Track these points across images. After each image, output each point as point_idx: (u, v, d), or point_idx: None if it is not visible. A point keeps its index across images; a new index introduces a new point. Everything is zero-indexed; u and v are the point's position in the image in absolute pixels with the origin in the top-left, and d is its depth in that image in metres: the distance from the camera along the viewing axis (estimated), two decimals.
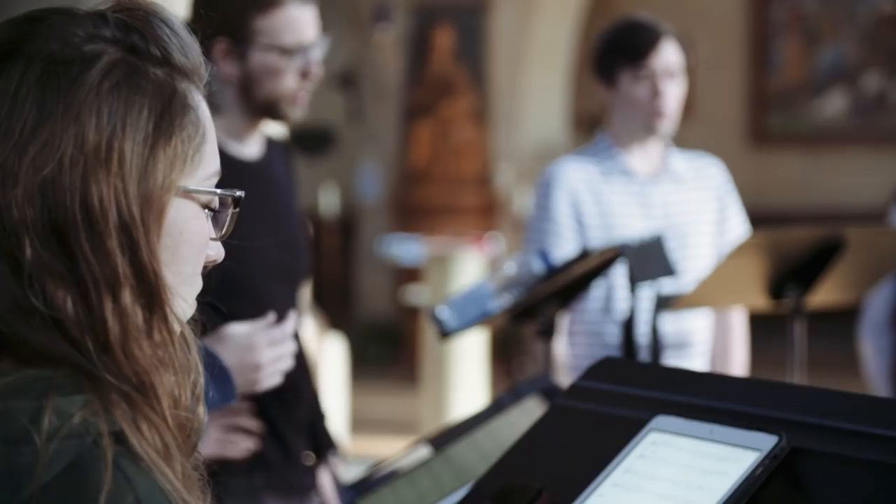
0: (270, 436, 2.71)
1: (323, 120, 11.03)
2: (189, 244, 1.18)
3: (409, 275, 10.02)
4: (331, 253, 10.86)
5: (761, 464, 1.50)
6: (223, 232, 1.22)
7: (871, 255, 3.21)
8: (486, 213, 10.58)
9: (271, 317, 2.39)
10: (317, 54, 2.68)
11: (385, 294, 10.87)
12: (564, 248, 3.36)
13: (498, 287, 2.77)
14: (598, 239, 3.40)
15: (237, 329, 2.34)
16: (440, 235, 9.65)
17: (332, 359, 7.40)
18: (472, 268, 7.51)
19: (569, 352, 3.49)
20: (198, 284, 1.20)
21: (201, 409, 1.17)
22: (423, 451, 2.28)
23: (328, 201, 10.94)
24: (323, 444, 2.90)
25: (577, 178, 3.48)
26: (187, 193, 1.18)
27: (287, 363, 2.40)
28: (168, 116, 1.16)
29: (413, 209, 10.61)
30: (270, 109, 2.69)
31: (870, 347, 3.86)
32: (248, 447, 2.61)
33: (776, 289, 3.19)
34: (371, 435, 7.75)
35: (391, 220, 10.88)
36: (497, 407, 2.30)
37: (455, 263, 7.46)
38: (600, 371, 1.81)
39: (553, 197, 3.46)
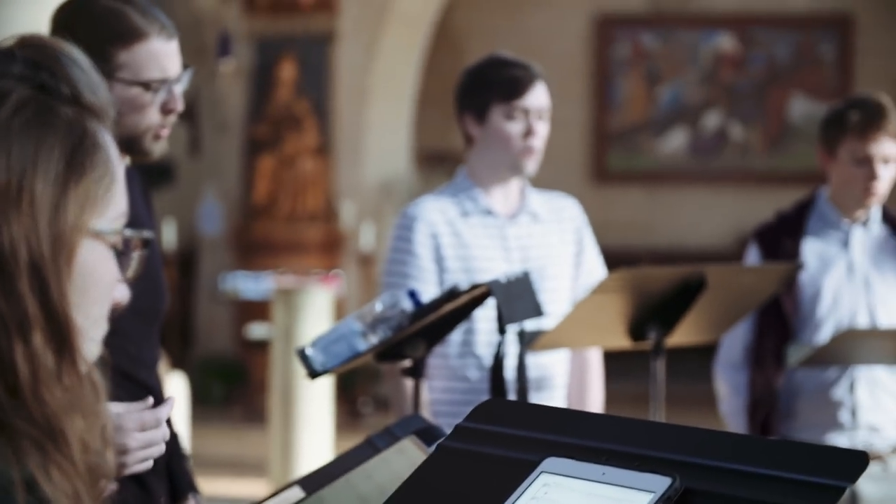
0: (129, 478, 2.63)
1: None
2: (98, 285, 1.16)
3: (253, 311, 9.91)
4: (170, 289, 10.69)
5: None
6: (130, 274, 1.19)
7: (730, 295, 3.26)
8: (330, 248, 10.53)
9: (149, 400, 2.32)
10: (179, 89, 2.63)
11: (227, 331, 10.73)
12: (426, 289, 3.34)
13: (365, 326, 2.73)
14: (458, 279, 3.39)
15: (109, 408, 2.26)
16: (284, 271, 9.57)
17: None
18: (318, 304, 7.45)
19: (427, 391, 3.47)
20: (104, 326, 1.17)
21: (109, 454, 1.13)
22: (295, 493, 2.23)
23: (167, 236, 10.77)
24: (183, 486, 2.83)
25: (436, 218, 3.47)
26: (97, 234, 1.15)
27: (159, 449, 2.31)
28: (79, 156, 1.14)
29: (256, 244, 10.51)
30: (132, 145, 2.62)
31: (725, 385, 3.89)
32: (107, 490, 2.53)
33: (637, 328, 3.21)
34: (215, 475, 7.62)
35: (233, 255, 10.76)
36: (370, 447, 2.26)
37: (300, 299, 7.39)
38: (486, 412, 1.78)
39: (413, 237, 3.44)
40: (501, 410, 1.80)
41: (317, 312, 7.27)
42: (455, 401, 3.43)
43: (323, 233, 10.47)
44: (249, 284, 9.63)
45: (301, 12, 10.55)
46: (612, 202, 11.75)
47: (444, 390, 3.46)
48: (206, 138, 11.16)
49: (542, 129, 3.48)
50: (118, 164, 1.19)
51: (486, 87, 3.47)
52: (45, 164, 1.11)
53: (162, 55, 2.59)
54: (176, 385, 7.46)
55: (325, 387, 7.28)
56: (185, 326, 10.98)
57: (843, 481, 1.46)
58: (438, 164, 11.29)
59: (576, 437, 1.65)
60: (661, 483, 1.51)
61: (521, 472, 1.61)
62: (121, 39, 2.55)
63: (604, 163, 12.31)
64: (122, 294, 1.20)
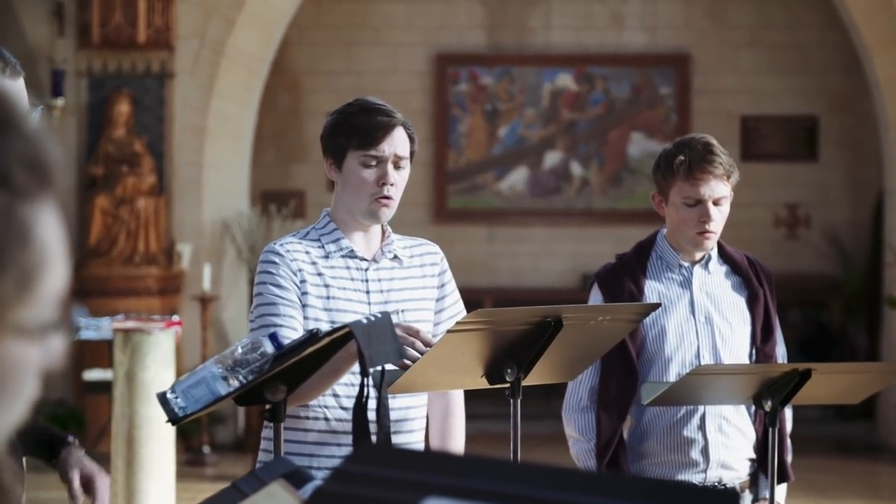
0: None
1: None
2: (20, 382, 1.05)
3: (90, 355, 9.71)
4: None
5: None
6: (54, 360, 1.08)
7: (586, 335, 3.29)
8: (169, 289, 10.37)
9: None
10: None
11: (62, 376, 10.48)
12: (290, 330, 3.32)
13: (226, 369, 2.70)
14: (319, 319, 3.38)
15: None
16: (122, 313, 9.39)
17: None
18: (161, 346, 7.33)
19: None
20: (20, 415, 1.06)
21: None
22: None
23: None
24: (56, 435, 2.80)
25: (299, 257, 3.47)
26: (21, 329, 1.03)
27: None
28: (1, 251, 1.01)
29: (91, 287, 10.29)
30: None
31: (572, 429, 3.89)
32: None
33: (494, 369, 3.22)
34: None
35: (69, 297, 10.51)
36: (236, 492, 2.23)
37: (142, 342, 7.26)
38: (364, 455, 1.77)
39: (280, 272, 3.43)
40: (379, 453, 1.79)
41: (160, 355, 7.16)
42: (298, 451, 3.41)
43: (162, 274, 10.31)
44: (85, 327, 9.43)
45: (137, 49, 10.41)
46: (453, 241, 11.73)
47: (287, 440, 3.42)
48: None
49: (397, 177, 3.49)
50: (56, 239, 1.06)
51: (343, 134, 3.48)
52: None
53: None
54: None
55: (168, 431, 7.16)
56: None
57: None
58: (278, 204, 11.22)
59: (454, 478, 1.65)
60: None
61: None
62: None
63: (444, 201, 12.33)
64: (55, 356, 1.07)
